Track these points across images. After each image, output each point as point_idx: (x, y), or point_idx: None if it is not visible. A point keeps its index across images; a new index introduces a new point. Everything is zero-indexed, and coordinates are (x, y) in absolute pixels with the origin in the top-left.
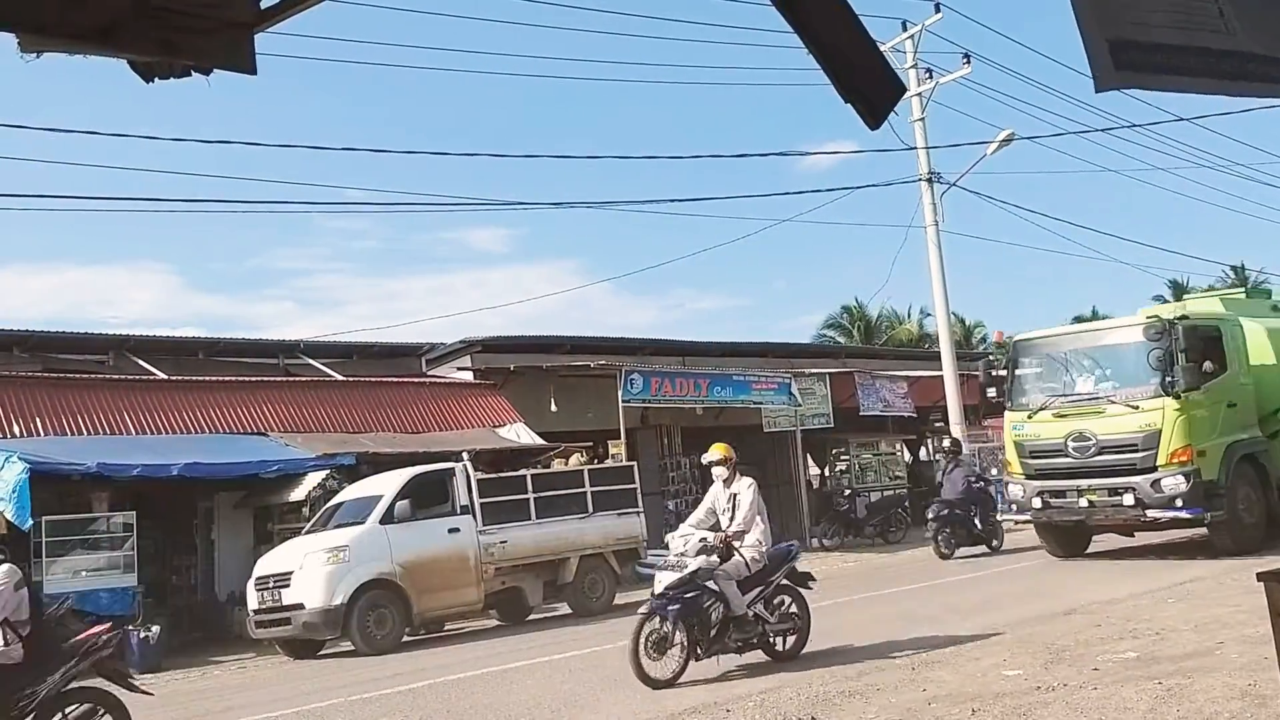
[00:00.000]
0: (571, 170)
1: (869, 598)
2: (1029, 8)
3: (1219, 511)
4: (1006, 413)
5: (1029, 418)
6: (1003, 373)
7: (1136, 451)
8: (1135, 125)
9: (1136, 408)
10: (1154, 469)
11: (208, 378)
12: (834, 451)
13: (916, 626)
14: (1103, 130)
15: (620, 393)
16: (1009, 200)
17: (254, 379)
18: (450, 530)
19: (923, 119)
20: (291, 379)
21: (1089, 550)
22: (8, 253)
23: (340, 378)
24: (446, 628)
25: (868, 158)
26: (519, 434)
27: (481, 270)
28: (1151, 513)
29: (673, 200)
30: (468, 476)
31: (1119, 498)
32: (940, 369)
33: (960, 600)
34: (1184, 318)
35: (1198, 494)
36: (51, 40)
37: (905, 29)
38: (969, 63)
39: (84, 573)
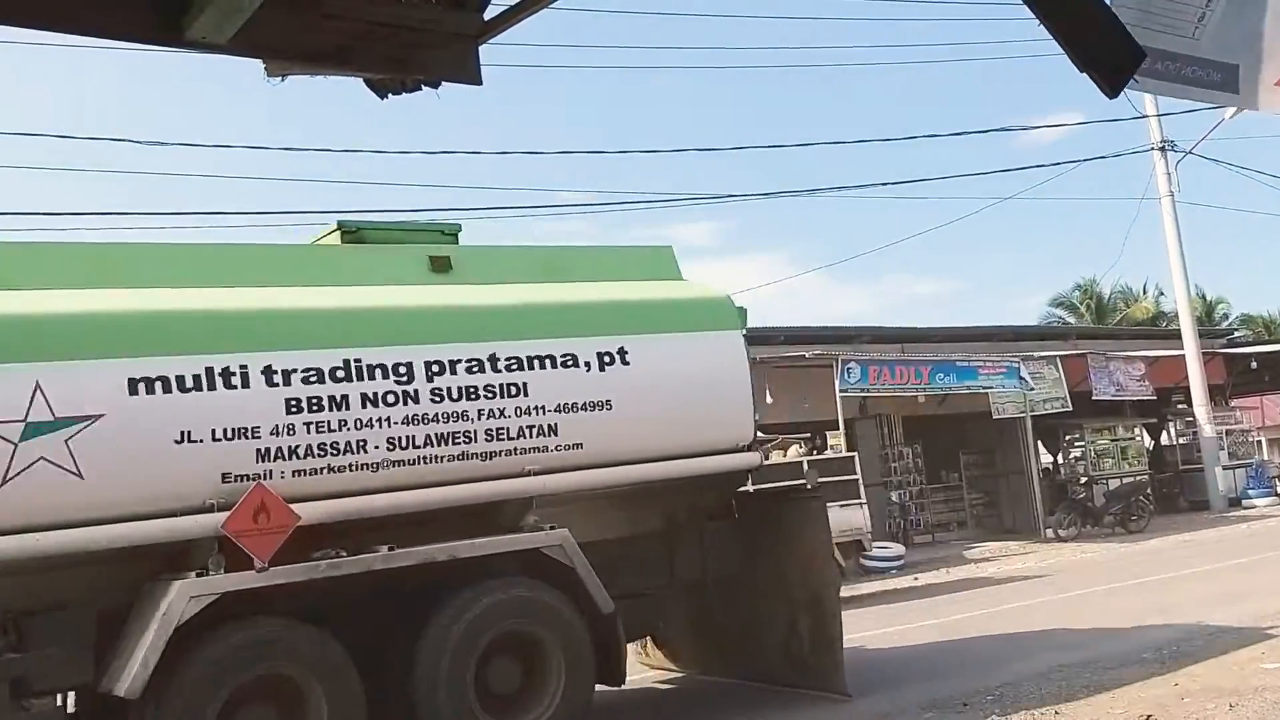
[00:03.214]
0: (781, 160)
1: (1111, 589)
2: None
3: None
4: None
5: None
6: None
7: None
8: None
9: None
10: None
11: None
12: (1067, 438)
13: (1164, 618)
14: None
15: (837, 382)
16: (1251, 166)
17: None
18: None
19: None
20: None
21: None
22: None
23: None
24: None
25: (1089, 130)
26: None
27: (692, 265)
28: None
29: (885, 184)
30: None
31: None
32: (1180, 348)
33: (1209, 590)
34: None
35: None
36: (294, 64)
37: None
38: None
39: None
